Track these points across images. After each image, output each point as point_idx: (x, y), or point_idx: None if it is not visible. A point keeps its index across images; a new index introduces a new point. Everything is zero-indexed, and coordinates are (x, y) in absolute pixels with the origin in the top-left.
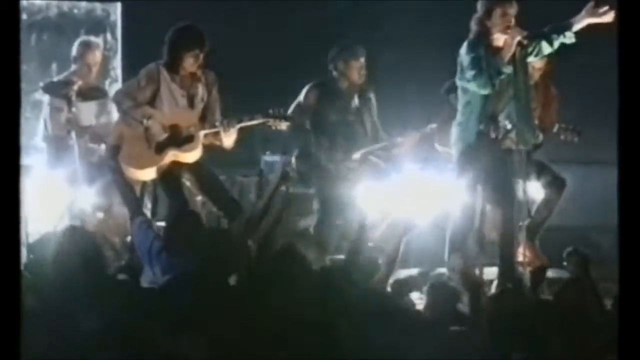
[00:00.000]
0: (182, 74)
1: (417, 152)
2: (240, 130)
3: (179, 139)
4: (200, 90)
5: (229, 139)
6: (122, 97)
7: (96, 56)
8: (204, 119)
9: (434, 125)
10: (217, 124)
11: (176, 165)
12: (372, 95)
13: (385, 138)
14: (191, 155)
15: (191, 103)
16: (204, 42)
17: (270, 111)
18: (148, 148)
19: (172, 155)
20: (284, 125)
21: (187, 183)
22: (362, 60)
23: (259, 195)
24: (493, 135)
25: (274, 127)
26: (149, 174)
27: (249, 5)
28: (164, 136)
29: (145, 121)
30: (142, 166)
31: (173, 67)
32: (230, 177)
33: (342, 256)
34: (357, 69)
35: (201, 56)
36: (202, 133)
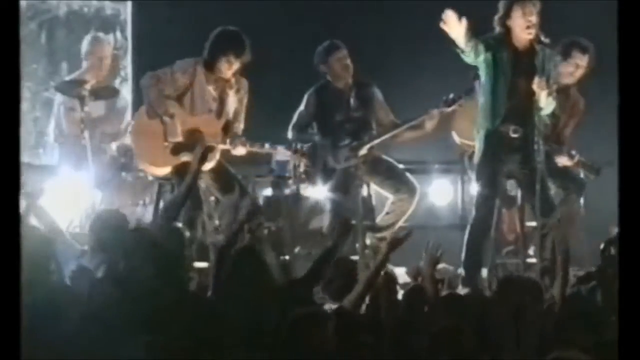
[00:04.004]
0: (217, 77)
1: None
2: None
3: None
4: (231, 98)
5: (238, 152)
6: (150, 84)
7: (105, 50)
8: (227, 127)
9: (462, 101)
10: (229, 143)
11: None
12: (374, 89)
13: (397, 124)
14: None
15: (220, 111)
16: (242, 49)
17: (293, 146)
18: (164, 146)
19: (186, 160)
20: (303, 162)
21: (202, 185)
22: (341, 54)
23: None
24: (514, 135)
25: (293, 162)
26: (162, 172)
27: (261, 5)
28: (182, 138)
29: (165, 118)
30: (155, 163)
31: (210, 67)
32: (245, 177)
33: (355, 257)
34: (338, 64)
35: (236, 63)
36: (220, 147)
